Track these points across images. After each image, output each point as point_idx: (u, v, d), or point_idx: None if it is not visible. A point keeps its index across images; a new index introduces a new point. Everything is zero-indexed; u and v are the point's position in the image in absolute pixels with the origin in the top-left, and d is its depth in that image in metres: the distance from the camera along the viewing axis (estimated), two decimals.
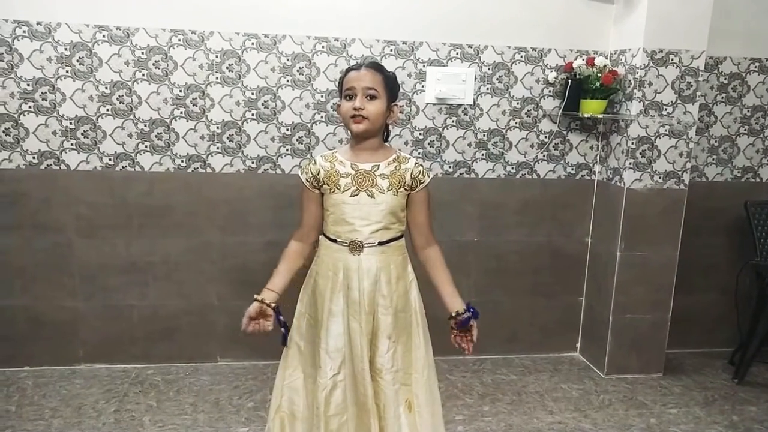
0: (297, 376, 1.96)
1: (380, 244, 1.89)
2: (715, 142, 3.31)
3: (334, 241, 1.91)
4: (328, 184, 1.88)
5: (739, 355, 3.24)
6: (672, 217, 3.05)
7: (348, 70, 1.89)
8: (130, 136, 2.91)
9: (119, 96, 2.87)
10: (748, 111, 3.29)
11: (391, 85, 1.89)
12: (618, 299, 3.09)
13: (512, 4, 3.01)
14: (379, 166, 1.89)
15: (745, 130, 3.31)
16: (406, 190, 1.90)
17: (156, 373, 3.05)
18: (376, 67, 1.88)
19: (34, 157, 2.86)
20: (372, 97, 1.83)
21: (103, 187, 2.93)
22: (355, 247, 1.88)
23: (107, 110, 2.87)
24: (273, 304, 1.91)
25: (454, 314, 1.93)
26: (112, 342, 3.07)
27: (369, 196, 1.86)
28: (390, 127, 1.96)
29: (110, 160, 2.92)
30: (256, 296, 1.91)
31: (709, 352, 3.47)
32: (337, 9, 2.91)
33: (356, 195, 1.86)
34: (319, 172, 1.89)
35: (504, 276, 3.29)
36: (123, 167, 2.93)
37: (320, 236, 1.97)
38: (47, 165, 2.88)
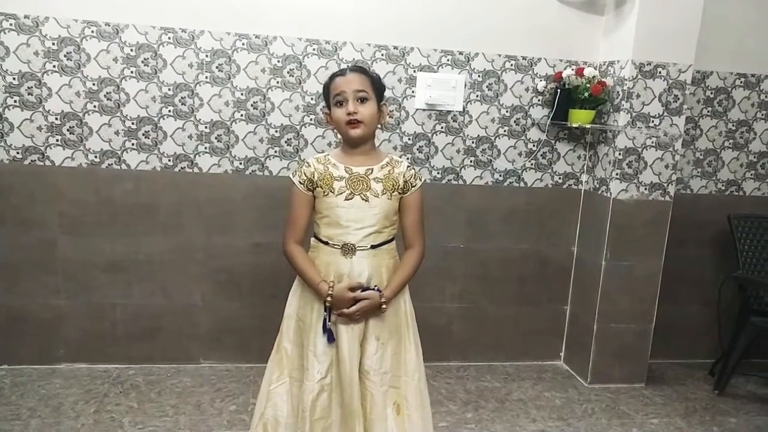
0: (283, 381, 1.96)
1: (372, 247, 1.90)
2: (701, 155, 3.35)
3: (326, 243, 1.92)
4: (321, 187, 1.89)
5: (720, 367, 3.27)
6: (657, 228, 3.08)
7: (333, 76, 1.89)
8: (116, 133, 2.90)
9: (107, 93, 2.85)
10: (733, 125, 3.34)
11: (378, 87, 1.91)
12: (602, 308, 3.11)
13: (504, 12, 3.04)
14: (372, 169, 1.91)
15: (729, 144, 3.36)
16: (399, 193, 1.93)
17: (137, 373, 3.03)
18: (362, 69, 1.91)
19: (18, 153, 2.84)
20: (363, 100, 1.85)
21: (88, 185, 2.91)
22: (348, 250, 1.89)
23: (94, 107, 2.86)
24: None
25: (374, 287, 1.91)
26: (93, 341, 3.04)
27: (363, 199, 1.88)
28: (380, 126, 1.96)
29: (96, 157, 2.90)
30: (327, 297, 1.87)
31: (690, 363, 3.51)
32: (329, 12, 2.93)
33: (351, 198, 1.87)
34: (313, 174, 1.90)
35: (489, 283, 3.30)
36: (109, 165, 2.92)
37: (312, 239, 1.98)
38: (31, 161, 2.86)
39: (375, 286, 1.91)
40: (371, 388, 1.91)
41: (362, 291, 1.88)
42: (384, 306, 1.89)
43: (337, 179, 1.88)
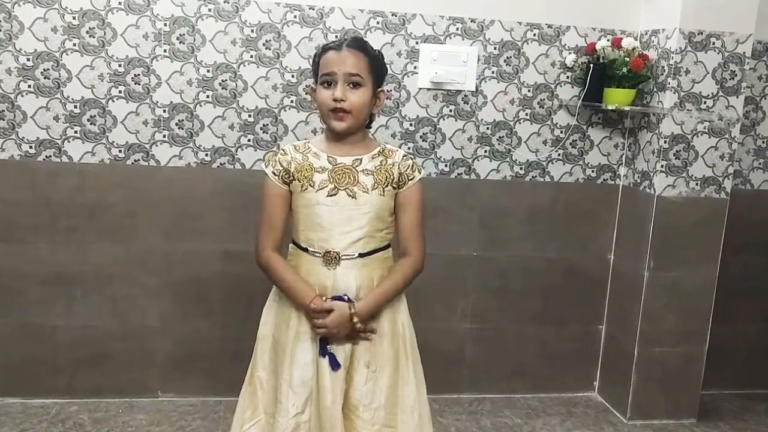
0: (258, 419, 1.91)
1: (361, 256, 1.84)
2: (763, 142, 3.25)
3: (305, 250, 1.86)
4: (299, 180, 1.84)
5: None
6: (710, 231, 2.99)
7: (325, 49, 1.84)
8: (56, 119, 2.79)
9: (44, 70, 2.74)
10: None
11: (377, 69, 1.85)
12: (645, 329, 3.01)
13: None
14: (361, 160, 1.85)
15: None
16: (393, 188, 1.87)
17: (82, 409, 2.91)
18: (360, 46, 1.83)
19: None
20: (356, 85, 1.80)
21: (22, 181, 2.81)
22: (330, 259, 1.84)
23: (29, 87, 2.75)
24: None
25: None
26: (28, 370, 2.93)
27: (350, 196, 1.82)
28: (375, 114, 1.92)
29: (31, 147, 2.79)
30: (309, 302, 1.80)
31: (751, 393, 3.41)
32: None
33: (334, 194, 1.82)
34: (290, 163, 1.85)
35: (508, 298, 3.20)
36: (47, 157, 2.81)
37: (290, 244, 1.93)
38: None
39: (345, 294, 1.82)
40: (360, 428, 1.83)
41: (331, 300, 1.82)
42: (356, 321, 1.80)
43: (318, 171, 1.83)
